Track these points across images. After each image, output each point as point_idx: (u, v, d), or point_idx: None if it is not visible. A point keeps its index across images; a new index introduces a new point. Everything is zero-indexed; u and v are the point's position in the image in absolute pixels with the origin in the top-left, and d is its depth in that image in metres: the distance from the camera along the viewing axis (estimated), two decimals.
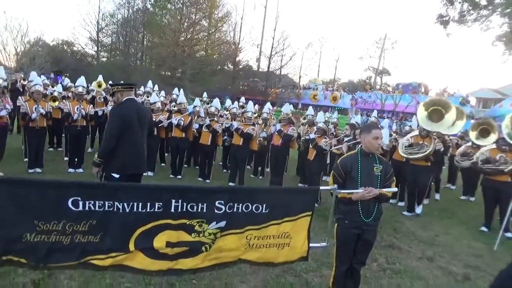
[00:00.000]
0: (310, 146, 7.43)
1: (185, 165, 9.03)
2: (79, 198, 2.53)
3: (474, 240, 6.15)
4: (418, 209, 7.47)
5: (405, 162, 7.44)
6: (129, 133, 4.08)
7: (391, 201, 8.03)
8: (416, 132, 7.56)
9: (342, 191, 3.19)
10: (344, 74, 45.09)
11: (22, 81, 11.28)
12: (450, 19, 17.77)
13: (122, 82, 4.34)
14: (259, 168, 9.63)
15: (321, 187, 3.33)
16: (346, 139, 7.18)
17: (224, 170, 9.57)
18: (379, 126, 7.47)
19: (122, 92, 4.23)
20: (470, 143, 8.57)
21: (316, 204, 6.44)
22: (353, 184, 3.20)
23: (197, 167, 9.00)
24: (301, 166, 9.04)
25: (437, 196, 9.05)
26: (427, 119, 7.19)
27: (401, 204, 7.94)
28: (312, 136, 7.46)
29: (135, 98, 4.43)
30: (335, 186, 3.20)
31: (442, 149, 7.58)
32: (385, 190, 3.21)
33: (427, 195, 8.00)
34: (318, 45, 43.61)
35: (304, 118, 10.17)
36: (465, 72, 65.47)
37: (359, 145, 3.46)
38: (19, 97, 7.57)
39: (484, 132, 7.88)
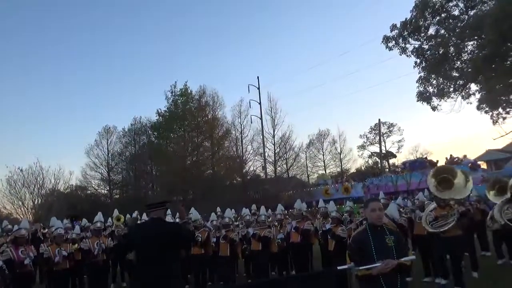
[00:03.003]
0: (329, 237, 7.44)
1: (209, 283, 8.85)
2: None
3: None
4: (475, 273, 7.44)
5: (434, 236, 7.08)
6: (137, 254, 4.01)
7: (426, 279, 7.69)
8: (434, 205, 7.38)
9: (360, 267, 3.25)
10: (351, 164, 45.81)
11: (42, 229, 11.65)
12: (430, 94, 18.45)
13: (149, 204, 4.39)
14: (284, 272, 9.39)
15: (338, 267, 3.37)
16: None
17: (250, 281, 9.31)
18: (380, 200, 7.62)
19: (148, 213, 4.36)
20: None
21: None
22: (370, 259, 3.27)
23: (222, 282, 8.82)
24: (325, 259, 8.84)
25: (475, 274, 7.75)
26: (439, 188, 7.15)
27: (438, 280, 7.51)
28: (328, 226, 7.53)
29: (157, 217, 4.28)
30: (352, 264, 3.27)
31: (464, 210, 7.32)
32: (403, 259, 3.27)
33: None
34: (318, 142, 44.99)
35: (317, 212, 10.27)
36: (468, 137, 65.80)
37: (366, 221, 3.61)
38: (41, 244, 7.84)
39: (501, 191, 7.72)
